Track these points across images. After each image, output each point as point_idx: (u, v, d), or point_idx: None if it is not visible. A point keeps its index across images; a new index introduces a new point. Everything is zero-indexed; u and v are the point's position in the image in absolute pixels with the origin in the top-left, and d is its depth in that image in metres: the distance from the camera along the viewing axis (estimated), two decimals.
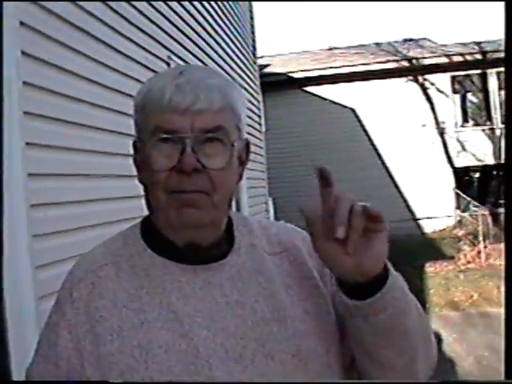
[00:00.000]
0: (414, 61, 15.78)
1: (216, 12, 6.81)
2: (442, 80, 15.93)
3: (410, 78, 15.85)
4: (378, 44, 18.03)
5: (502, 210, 14.05)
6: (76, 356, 1.07)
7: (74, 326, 1.08)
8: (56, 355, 1.08)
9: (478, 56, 15.73)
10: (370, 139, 15.45)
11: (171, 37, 4.86)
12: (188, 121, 1.03)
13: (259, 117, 9.68)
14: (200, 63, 5.53)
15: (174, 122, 1.04)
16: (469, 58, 15.72)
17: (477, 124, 16.64)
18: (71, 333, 1.08)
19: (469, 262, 11.99)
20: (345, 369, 1.15)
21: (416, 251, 12.39)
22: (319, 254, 1.00)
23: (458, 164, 15.69)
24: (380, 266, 0.98)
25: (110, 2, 3.65)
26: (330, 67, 15.69)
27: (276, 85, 14.91)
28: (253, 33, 9.87)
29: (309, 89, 15.73)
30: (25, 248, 2.46)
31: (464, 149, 15.71)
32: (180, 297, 1.08)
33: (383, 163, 15.56)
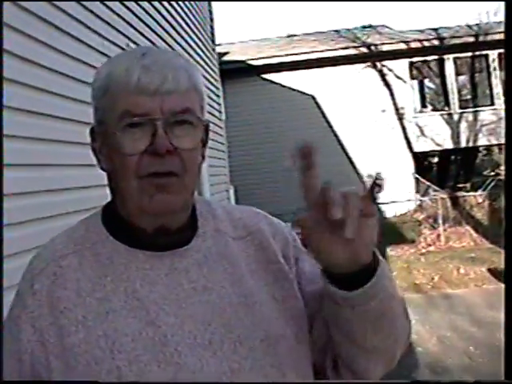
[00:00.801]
0: (372, 47, 15.89)
1: None
2: (400, 66, 16.07)
3: (369, 64, 15.95)
4: (336, 31, 18.09)
5: (460, 193, 14.31)
6: (40, 349, 1.04)
7: (37, 318, 1.06)
8: (19, 349, 1.06)
9: (435, 42, 15.91)
10: (330, 125, 15.52)
11: (129, 24, 4.79)
12: (157, 102, 1.02)
13: (219, 104, 9.64)
14: None
15: (144, 105, 1.02)
16: (426, 44, 15.88)
17: (435, 109, 16.86)
18: (34, 325, 1.06)
19: (429, 245, 12.19)
20: (317, 351, 1.15)
21: (378, 235, 12.50)
22: (313, 251, 0.94)
23: (418, 149, 15.88)
24: (371, 252, 0.95)
25: None
26: (289, 54, 15.69)
27: (235, 72, 14.86)
28: (211, 20, 9.81)
29: (268, 76, 15.72)
30: None
31: (423, 134, 15.90)
32: (145, 284, 1.07)
33: (343, 149, 15.66)
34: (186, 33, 7.32)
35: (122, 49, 4.46)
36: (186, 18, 7.35)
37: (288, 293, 1.14)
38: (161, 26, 5.93)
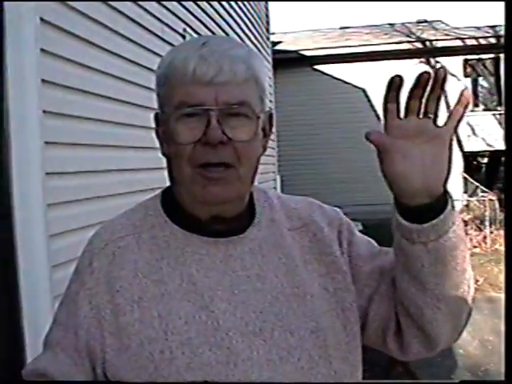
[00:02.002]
0: (427, 43, 15.63)
1: None
2: (454, 63, 15.76)
3: (422, 59, 15.70)
4: (391, 24, 17.85)
5: None
6: (96, 326, 1.07)
7: (94, 295, 1.09)
8: (75, 324, 1.09)
9: (492, 40, 15.56)
10: (379, 119, 15.32)
11: (187, 9, 4.82)
12: (212, 93, 1.02)
13: (270, 94, 9.64)
14: None
15: (198, 95, 1.02)
16: (482, 41, 15.55)
17: (487, 109, 16.51)
18: (91, 302, 1.09)
19: (475, 247, 11.96)
20: (376, 331, 1.14)
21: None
22: (389, 178, 0.99)
23: (468, 148, 15.60)
24: (442, 184, 0.98)
25: None
26: (342, 46, 15.56)
27: (287, 62, 14.79)
28: (266, 8, 9.80)
29: (320, 67, 15.62)
30: (39, 217, 2.46)
31: (474, 133, 15.61)
32: (200, 269, 1.08)
33: None
34: (242, 20, 7.34)
35: (180, 34, 4.50)
36: (242, 6, 7.36)
37: (340, 285, 1.14)
38: (218, 12, 5.95)
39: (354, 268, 1.16)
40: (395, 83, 0.95)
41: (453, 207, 0.99)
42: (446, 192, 0.99)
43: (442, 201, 0.98)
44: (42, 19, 2.58)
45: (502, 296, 8.10)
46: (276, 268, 1.12)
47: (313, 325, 1.09)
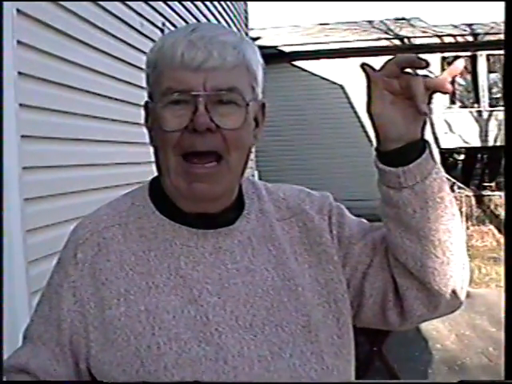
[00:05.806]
0: (405, 40, 15.71)
1: None
2: (432, 60, 15.83)
3: None
4: (369, 21, 17.91)
5: (485, 192, 14.14)
6: (80, 319, 1.05)
7: (79, 288, 1.06)
8: (58, 317, 1.06)
9: (469, 38, 15.68)
10: (357, 116, 15.40)
11: (166, 4, 4.79)
12: (201, 78, 0.99)
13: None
14: None
15: (186, 80, 1.00)
16: (460, 39, 15.67)
17: (464, 106, 16.65)
18: (75, 295, 1.06)
19: None
20: (373, 305, 1.12)
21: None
22: (377, 120, 1.02)
23: (444, 145, 15.71)
24: (420, 131, 1.02)
25: None
26: (321, 42, 15.56)
27: (266, 58, 14.39)
28: (245, 4, 9.76)
29: (298, 63, 15.62)
30: (16, 211, 2.42)
31: (451, 130, 15.73)
32: (189, 262, 1.06)
33: (370, 141, 15.54)
34: (221, 15, 7.31)
35: (159, 28, 4.47)
36: (221, 1, 7.33)
37: (331, 276, 1.11)
38: (197, 7, 5.92)
39: (346, 247, 1.14)
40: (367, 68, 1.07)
41: (430, 151, 1.02)
42: (423, 138, 1.02)
43: (421, 144, 1.02)
44: (18, 11, 2.53)
45: (478, 291, 8.18)
46: (266, 260, 1.09)
47: (304, 319, 1.06)
